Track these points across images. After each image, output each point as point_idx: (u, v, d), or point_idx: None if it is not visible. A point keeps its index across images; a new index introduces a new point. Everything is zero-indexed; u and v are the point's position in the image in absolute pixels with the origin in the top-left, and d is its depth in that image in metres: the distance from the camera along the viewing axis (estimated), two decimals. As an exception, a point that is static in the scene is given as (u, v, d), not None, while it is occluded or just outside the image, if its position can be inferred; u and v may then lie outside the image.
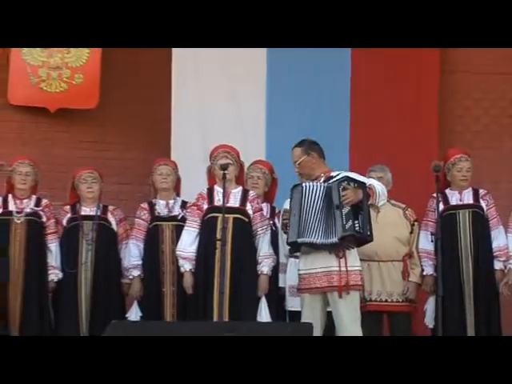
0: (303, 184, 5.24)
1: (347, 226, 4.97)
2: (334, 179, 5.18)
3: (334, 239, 5.00)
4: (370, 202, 5.13)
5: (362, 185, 5.11)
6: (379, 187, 5.21)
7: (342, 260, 5.11)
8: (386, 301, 6.14)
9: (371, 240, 5.16)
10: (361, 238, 5.09)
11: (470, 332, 5.87)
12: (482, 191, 6.06)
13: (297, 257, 5.51)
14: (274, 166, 6.32)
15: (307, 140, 5.41)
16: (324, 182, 5.22)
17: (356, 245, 5.16)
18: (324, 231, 5.06)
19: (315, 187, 5.17)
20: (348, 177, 5.18)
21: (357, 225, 5.01)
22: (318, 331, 5.00)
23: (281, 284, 5.86)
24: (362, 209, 5.06)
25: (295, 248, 5.29)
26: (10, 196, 6.09)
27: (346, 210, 5.02)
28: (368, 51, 7.43)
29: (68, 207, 6.26)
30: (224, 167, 5.49)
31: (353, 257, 5.20)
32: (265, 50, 7.62)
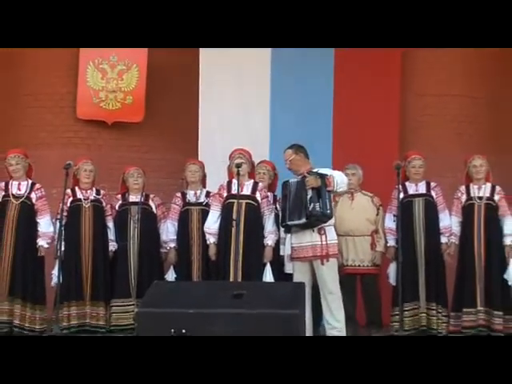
0: (289, 180, 5.40)
1: (310, 208, 5.10)
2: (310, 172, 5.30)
3: (303, 219, 5.14)
4: (329, 189, 5.15)
5: (322, 176, 5.19)
6: (339, 178, 5.24)
7: (323, 236, 5.20)
8: (359, 265, 6.16)
9: (331, 216, 5.23)
10: (322, 215, 5.14)
11: (421, 288, 5.86)
12: (433, 184, 6.05)
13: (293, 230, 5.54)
14: (276, 164, 6.29)
15: (296, 144, 5.47)
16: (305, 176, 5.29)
17: (324, 220, 5.20)
18: (298, 214, 5.18)
19: (294, 182, 5.32)
20: (312, 171, 5.27)
21: (317, 206, 5.09)
22: (307, 289, 5.01)
23: (281, 253, 5.83)
24: (321, 194, 5.14)
25: (287, 229, 5.37)
26: (76, 188, 6.06)
27: (309, 196, 5.13)
28: (349, 58, 7.39)
29: (119, 195, 6.26)
30: (238, 165, 5.50)
31: (332, 233, 5.30)
32: (269, 62, 7.58)
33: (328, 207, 5.15)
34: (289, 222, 5.26)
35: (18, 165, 5.93)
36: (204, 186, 6.22)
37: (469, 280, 5.85)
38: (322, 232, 5.19)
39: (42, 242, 5.86)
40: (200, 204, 6.05)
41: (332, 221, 5.30)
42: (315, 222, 5.18)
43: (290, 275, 5.67)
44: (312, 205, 5.11)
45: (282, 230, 5.72)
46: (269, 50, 7.58)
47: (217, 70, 7.55)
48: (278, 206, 5.89)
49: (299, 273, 5.30)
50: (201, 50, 7.54)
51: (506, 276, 5.79)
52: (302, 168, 5.35)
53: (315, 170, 5.33)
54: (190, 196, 6.10)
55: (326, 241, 5.19)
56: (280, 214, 5.48)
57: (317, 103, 7.50)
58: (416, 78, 7.69)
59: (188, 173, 6.16)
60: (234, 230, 5.40)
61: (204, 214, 5.88)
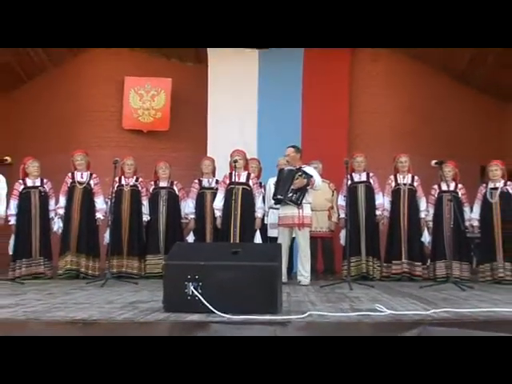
0: (284, 169, 5.30)
1: (289, 195, 5.06)
2: (302, 169, 5.22)
3: (281, 197, 5.10)
4: (308, 187, 5.11)
5: (308, 176, 5.11)
6: (317, 182, 5.18)
7: (301, 210, 5.13)
8: (319, 231, 6.18)
9: (300, 204, 5.12)
10: (294, 202, 5.11)
11: (362, 246, 5.85)
12: (371, 174, 6.02)
13: (274, 208, 5.51)
14: (261, 159, 6.34)
15: (296, 146, 5.44)
16: (297, 168, 5.20)
17: (294, 203, 5.11)
18: (281, 193, 5.10)
19: (287, 171, 5.22)
20: (303, 171, 5.16)
21: (294, 196, 5.07)
22: (285, 248, 5.06)
23: (265, 222, 5.79)
24: (301, 189, 5.10)
25: (277, 201, 5.25)
26: (122, 177, 6.03)
27: (293, 186, 5.07)
28: (316, 63, 7.21)
29: (152, 182, 6.21)
30: (235, 161, 5.44)
31: (307, 209, 5.23)
32: (256, 80, 7.49)
33: (300, 199, 5.09)
34: (278, 196, 5.16)
35: (81, 160, 5.95)
36: (214, 176, 6.17)
37: (396, 241, 5.88)
38: (300, 207, 5.12)
39: (99, 215, 5.90)
40: (212, 188, 5.99)
41: (310, 200, 5.22)
42: (287, 202, 5.14)
43: (271, 238, 5.70)
44: (291, 194, 5.08)
45: (266, 206, 5.70)
46: (256, 71, 7.52)
47: (219, 93, 7.49)
48: (263, 189, 5.85)
49: (282, 234, 5.24)
50: (209, 80, 7.51)
51: (422, 239, 5.85)
52: (297, 163, 5.28)
53: (302, 166, 5.25)
54: (205, 182, 6.05)
55: (303, 214, 5.12)
56: (276, 190, 5.29)
57: (290, 110, 7.39)
58: (358, 99, 7.69)
59: (203, 166, 6.11)
60: (233, 206, 5.33)
61: (214, 196, 5.81)
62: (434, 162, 5.20)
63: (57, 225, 5.83)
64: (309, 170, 5.26)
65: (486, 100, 8.42)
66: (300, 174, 5.12)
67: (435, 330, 2.70)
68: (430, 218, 5.90)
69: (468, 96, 8.29)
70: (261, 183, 5.94)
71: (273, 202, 5.32)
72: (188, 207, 6.04)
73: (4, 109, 8.55)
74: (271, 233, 5.73)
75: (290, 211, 5.15)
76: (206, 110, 7.48)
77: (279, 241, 5.16)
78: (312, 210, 5.86)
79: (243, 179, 5.59)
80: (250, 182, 5.61)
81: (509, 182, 5.67)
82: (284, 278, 4.85)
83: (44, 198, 5.85)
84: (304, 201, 5.14)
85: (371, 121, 7.61)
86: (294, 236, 5.30)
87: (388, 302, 3.69)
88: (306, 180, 5.08)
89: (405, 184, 5.93)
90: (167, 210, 6.02)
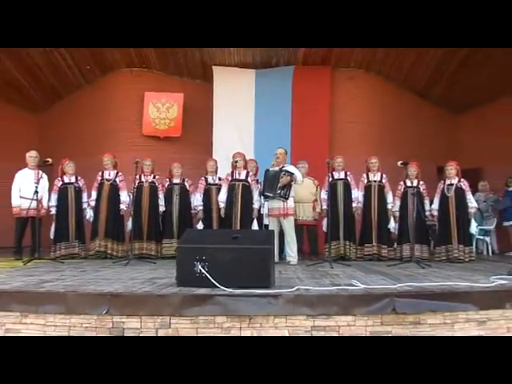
0: (269, 169, 5.29)
1: (277, 191, 5.08)
2: (284, 168, 5.22)
3: (271, 194, 5.13)
4: (292, 183, 5.13)
5: (290, 174, 5.13)
6: (298, 176, 5.19)
7: (285, 203, 5.17)
8: (305, 220, 6.12)
9: (287, 199, 5.14)
10: (282, 197, 5.13)
11: (341, 232, 5.80)
12: (348, 173, 6.00)
13: (268, 201, 5.47)
14: (258, 160, 6.22)
15: (285, 148, 5.44)
16: (280, 169, 5.19)
17: (283, 199, 5.12)
18: (270, 191, 5.14)
19: (272, 171, 5.22)
20: (286, 170, 5.16)
21: (282, 192, 5.09)
22: (275, 234, 5.01)
23: (261, 212, 5.73)
24: (286, 185, 5.11)
25: (265, 197, 5.27)
26: (142, 175, 5.98)
27: (279, 184, 5.10)
28: (301, 75, 7.09)
29: (167, 179, 6.17)
30: (236, 161, 5.43)
31: (291, 202, 5.25)
32: (253, 86, 7.40)
33: (288, 194, 5.12)
34: (265, 193, 5.20)
35: (108, 161, 5.96)
36: (216, 174, 6.12)
37: (368, 228, 5.87)
38: (285, 200, 5.16)
39: (122, 206, 5.87)
40: (216, 184, 5.95)
41: (293, 194, 5.24)
42: (277, 198, 5.15)
43: (267, 225, 5.65)
44: (279, 190, 5.09)
45: (262, 198, 5.68)
46: (253, 87, 7.45)
47: (222, 105, 7.42)
48: (259, 185, 5.82)
49: (272, 223, 5.28)
50: (214, 94, 7.46)
51: (389, 226, 5.84)
52: (283, 163, 5.28)
53: (285, 166, 5.24)
54: (210, 180, 6.02)
55: (287, 206, 5.17)
56: (261, 188, 5.36)
57: (281, 119, 7.30)
58: (338, 110, 7.63)
59: (208, 166, 6.07)
60: (234, 199, 5.30)
61: (218, 190, 5.77)
62: (400, 162, 5.21)
63: (88, 214, 5.87)
64: (290, 168, 5.27)
65: (441, 112, 8.50)
66: (283, 173, 5.13)
67: (400, 300, 2.71)
68: (396, 208, 5.89)
69: (427, 109, 8.37)
70: (257, 180, 5.91)
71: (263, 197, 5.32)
72: (197, 200, 6.00)
73: (47, 119, 8.58)
74: (266, 221, 5.71)
75: (276, 204, 5.20)
76: (212, 120, 7.44)
77: (270, 228, 5.18)
78: (299, 202, 5.90)
79: (243, 176, 5.56)
80: (249, 179, 5.58)
81: (462, 179, 5.69)
82: (276, 259, 4.83)
83: (78, 192, 5.87)
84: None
85: (348, 128, 7.57)
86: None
87: (362, 278, 3.70)
88: (289, 177, 5.10)
89: (375, 181, 5.92)
90: (180, 203, 5.98)
